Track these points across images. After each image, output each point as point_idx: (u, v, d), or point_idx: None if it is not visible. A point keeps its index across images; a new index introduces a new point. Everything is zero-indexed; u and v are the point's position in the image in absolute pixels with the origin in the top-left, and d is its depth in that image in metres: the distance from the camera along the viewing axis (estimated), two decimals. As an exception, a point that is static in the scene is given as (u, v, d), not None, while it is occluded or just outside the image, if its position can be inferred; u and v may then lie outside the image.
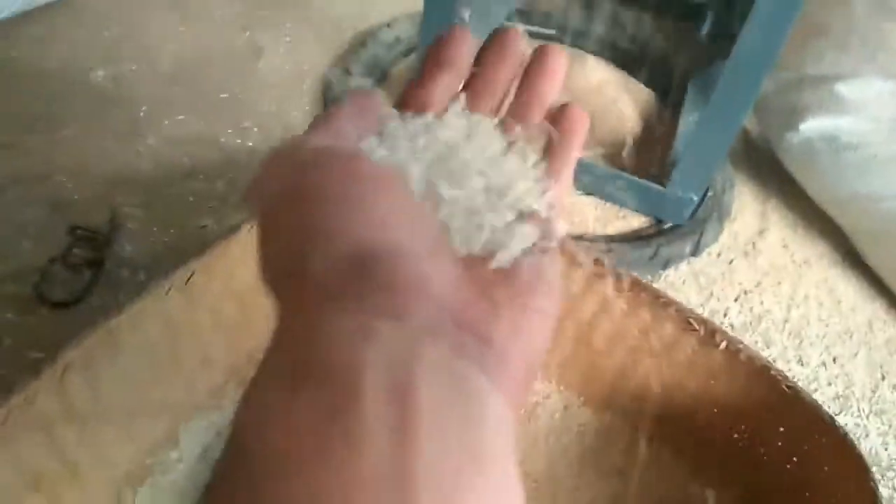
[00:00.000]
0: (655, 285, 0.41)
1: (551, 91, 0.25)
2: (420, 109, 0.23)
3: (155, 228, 0.49)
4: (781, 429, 0.38)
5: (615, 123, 0.63)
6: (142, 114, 0.57)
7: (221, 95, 0.61)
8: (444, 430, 0.15)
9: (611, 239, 0.55)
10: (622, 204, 0.58)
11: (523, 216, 0.21)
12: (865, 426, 0.48)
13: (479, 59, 0.25)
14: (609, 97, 0.64)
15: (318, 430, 0.14)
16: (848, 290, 0.57)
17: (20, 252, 0.46)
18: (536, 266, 0.20)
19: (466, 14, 0.51)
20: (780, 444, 0.38)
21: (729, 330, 0.43)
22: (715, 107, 0.53)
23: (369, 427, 0.14)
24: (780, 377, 0.37)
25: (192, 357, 0.39)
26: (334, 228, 0.18)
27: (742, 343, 0.38)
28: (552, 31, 0.72)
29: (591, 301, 0.42)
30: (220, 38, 0.67)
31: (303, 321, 0.17)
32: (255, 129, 0.58)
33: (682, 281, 0.55)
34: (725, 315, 0.53)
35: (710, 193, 0.59)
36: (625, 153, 0.61)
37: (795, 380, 0.37)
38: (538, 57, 0.25)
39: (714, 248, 0.57)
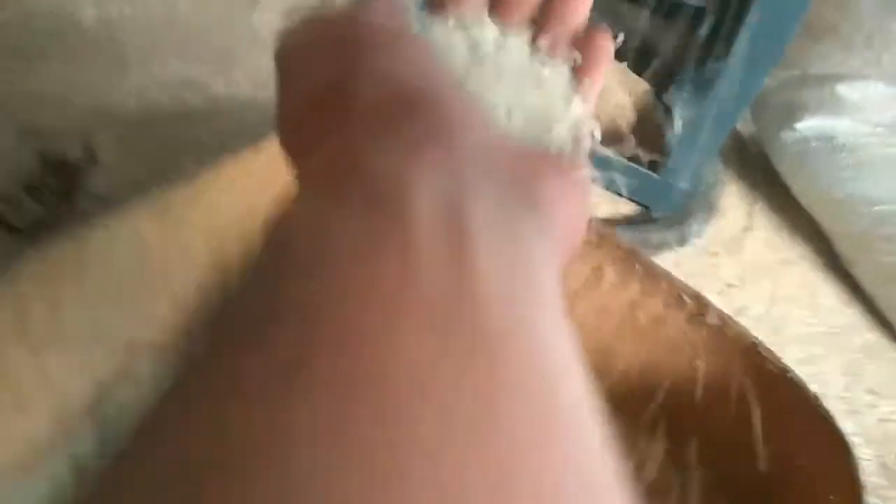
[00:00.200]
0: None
1: (578, 13, 0.24)
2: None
3: (130, 166, 0.47)
4: (765, 409, 0.37)
5: (611, 112, 0.62)
6: (130, 55, 0.55)
7: (213, 45, 0.59)
8: (499, 257, 0.14)
9: (600, 222, 0.54)
10: (614, 189, 0.57)
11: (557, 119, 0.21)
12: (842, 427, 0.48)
13: None
14: (605, 86, 0.64)
15: (367, 239, 0.13)
16: (828, 292, 0.57)
17: (-14, 175, 0.44)
18: (572, 157, 0.19)
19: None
20: (763, 423, 0.37)
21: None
22: (712, 102, 0.53)
23: (422, 239, 0.13)
24: (768, 355, 0.36)
25: (160, 293, 0.37)
26: (381, 66, 0.17)
27: (732, 320, 0.38)
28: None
29: (581, 272, 0.41)
30: (214, -11, 0.65)
31: (342, 147, 0.16)
32: (245, 81, 0.57)
33: (667, 270, 0.54)
34: (708, 306, 0.52)
35: (699, 188, 0.58)
36: (619, 141, 0.61)
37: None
38: None
39: (699, 242, 0.57)
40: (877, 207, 0.53)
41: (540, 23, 0.24)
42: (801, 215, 0.61)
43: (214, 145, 0.51)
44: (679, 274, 0.54)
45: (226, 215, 0.38)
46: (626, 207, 0.58)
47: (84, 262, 0.32)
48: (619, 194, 0.58)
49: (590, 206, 0.19)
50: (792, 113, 0.57)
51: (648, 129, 0.63)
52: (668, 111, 0.64)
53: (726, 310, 0.52)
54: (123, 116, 0.50)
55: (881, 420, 0.49)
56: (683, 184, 0.56)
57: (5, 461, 0.30)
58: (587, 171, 0.19)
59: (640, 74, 0.69)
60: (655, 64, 0.69)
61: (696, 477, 0.39)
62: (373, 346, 0.12)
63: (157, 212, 0.35)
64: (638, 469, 0.40)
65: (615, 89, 0.64)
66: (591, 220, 0.38)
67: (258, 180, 0.38)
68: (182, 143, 0.50)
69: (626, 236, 0.53)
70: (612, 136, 0.61)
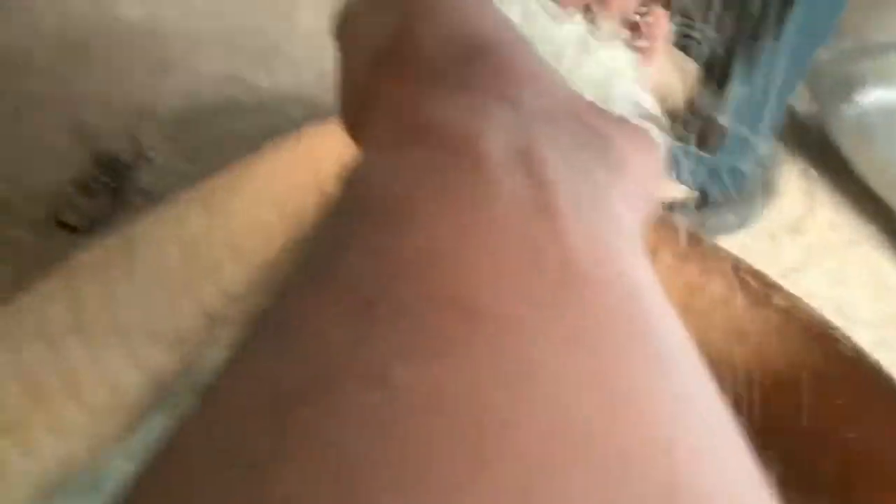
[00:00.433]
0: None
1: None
2: None
3: (177, 161, 0.47)
4: (840, 396, 0.35)
5: (661, 94, 0.61)
6: (174, 51, 0.56)
7: (257, 40, 0.59)
8: (580, 197, 0.13)
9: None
10: (668, 172, 0.56)
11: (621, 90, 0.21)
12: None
13: None
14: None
15: (443, 179, 0.12)
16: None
17: (39, 175, 0.44)
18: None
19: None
20: (839, 411, 0.35)
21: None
22: (764, 79, 0.51)
23: (500, 178, 0.12)
24: (842, 339, 0.34)
25: (208, 285, 0.37)
26: (443, 17, 0.17)
27: (800, 301, 0.36)
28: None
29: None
30: (256, -13, 0.65)
31: (406, 98, 0.15)
32: (288, 75, 0.57)
33: (726, 254, 0.52)
34: (770, 291, 0.50)
35: (757, 168, 0.56)
36: (671, 123, 0.59)
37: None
38: None
39: (760, 225, 0.55)
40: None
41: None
42: (864, 193, 0.58)
43: (259, 139, 0.50)
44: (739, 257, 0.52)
45: (269, 203, 0.37)
46: (680, 190, 0.56)
47: (134, 255, 0.32)
48: (674, 177, 0.56)
49: (661, 164, 0.18)
50: (850, 85, 0.55)
51: (700, 110, 0.61)
52: (720, 90, 0.62)
53: (790, 294, 0.51)
54: (169, 113, 0.51)
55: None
56: (739, 165, 0.54)
57: (64, 453, 0.30)
58: (653, 133, 0.19)
59: (688, 53, 0.67)
60: (705, 43, 0.67)
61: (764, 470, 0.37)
62: (456, 282, 0.11)
63: (202, 202, 0.35)
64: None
65: (664, 69, 0.62)
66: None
67: (300, 168, 0.38)
68: (227, 137, 0.50)
69: (681, 220, 0.51)
70: (661, 118, 0.60)
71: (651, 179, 0.17)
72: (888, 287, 0.53)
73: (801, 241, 0.55)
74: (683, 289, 0.39)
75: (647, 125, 0.19)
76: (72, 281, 0.30)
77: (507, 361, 0.10)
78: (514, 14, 0.22)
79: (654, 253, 0.39)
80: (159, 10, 0.59)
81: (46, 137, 0.46)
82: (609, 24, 0.24)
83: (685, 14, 0.70)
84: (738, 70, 0.63)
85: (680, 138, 0.58)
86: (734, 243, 0.53)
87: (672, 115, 0.62)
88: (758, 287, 0.36)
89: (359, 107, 0.18)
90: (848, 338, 0.35)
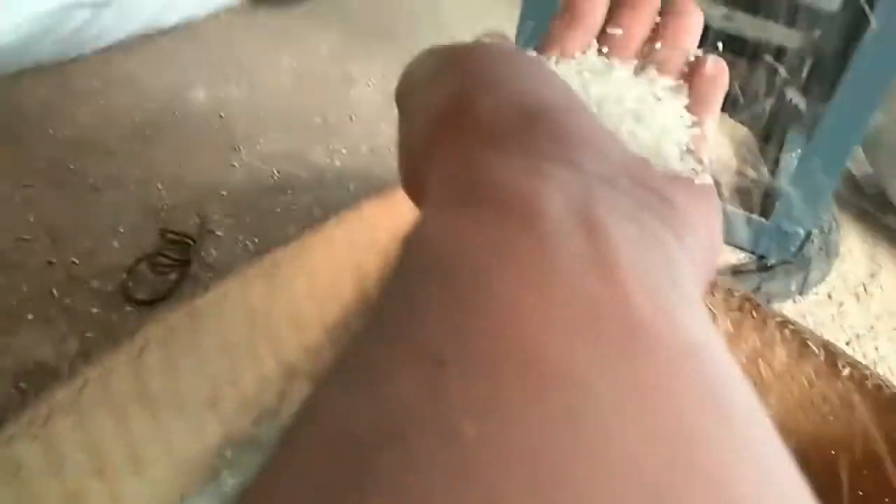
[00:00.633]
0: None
1: (689, 44, 0.24)
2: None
3: (241, 236, 0.49)
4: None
5: (714, 160, 0.61)
6: (237, 131, 0.58)
7: (314, 119, 0.62)
8: (639, 256, 0.13)
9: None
10: (725, 236, 0.55)
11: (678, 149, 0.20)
12: None
13: (612, 13, 0.24)
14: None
15: (504, 240, 0.13)
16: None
17: (110, 251, 0.47)
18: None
19: None
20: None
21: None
22: (818, 144, 0.51)
23: (559, 239, 0.13)
24: (915, 409, 0.33)
25: (267, 355, 0.38)
26: (501, 81, 0.17)
27: (869, 370, 0.34)
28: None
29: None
30: (316, 67, 0.68)
31: (466, 160, 0.15)
32: (344, 151, 0.59)
33: (787, 321, 0.51)
34: (837, 358, 0.48)
35: (815, 232, 0.55)
36: (724, 187, 0.58)
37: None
38: (673, 14, 0.24)
39: (822, 289, 0.53)
40: None
41: (651, 53, 0.24)
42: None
43: (317, 213, 0.52)
44: (805, 325, 0.50)
45: (327, 276, 0.38)
46: (736, 256, 0.55)
47: (198, 327, 0.33)
48: (730, 243, 0.55)
49: (721, 225, 0.18)
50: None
51: (754, 174, 0.60)
52: (774, 155, 0.62)
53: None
54: (233, 189, 0.53)
55: None
56: (796, 228, 0.53)
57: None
58: (714, 190, 0.19)
59: (740, 121, 0.67)
60: (757, 110, 0.67)
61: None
62: (515, 345, 0.11)
63: (264, 275, 0.36)
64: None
65: (716, 136, 0.62)
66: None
67: (359, 239, 0.39)
68: (287, 211, 0.52)
69: (742, 287, 0.50)
70: (716, 182, 0.59)
71: (712, 240, 0.17)
72: (964, 354, 0.51)
73: (866, 306, 0.53)
74: (745, 358, 0.38)
75: (707, 183, 0.19)
76: (137, 354, 0.31)
77: (576, 419, 0.10)
78: (569, 69, 0.22)
79: (712, 320, 0.38)
80: (224, 92, 0.63)
81: (118, 215, 0.49)
82: (664, 74, 0.24)
83: (739, 80, 0.70)
84: (791, 134, 0.63)
85: (734, 202, 0.57)
86: (796, 309, 0.52)
87: (725, 180, 0.62)
88: (824, 356, 0.35)
89: (420, 169, 0.18)
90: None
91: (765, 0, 0.66)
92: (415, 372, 0.11)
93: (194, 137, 0.57)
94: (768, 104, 0.67)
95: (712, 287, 0.38)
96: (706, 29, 0.25)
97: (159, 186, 0.52)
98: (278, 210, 0.52)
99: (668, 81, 0.23)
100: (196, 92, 0.62)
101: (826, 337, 0.50)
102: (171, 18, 0.67)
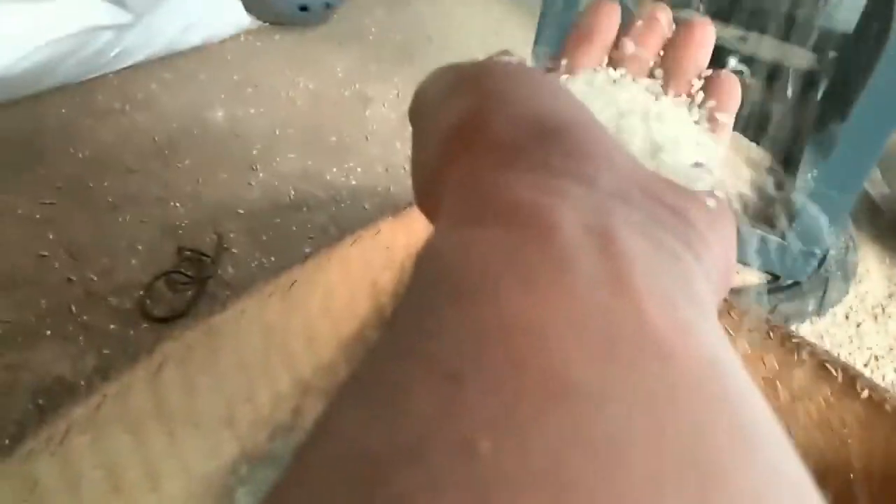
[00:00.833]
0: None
1: (701, 58, 0.24)
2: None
3: (257, 254, 0.50)
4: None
5: (728, 179, 0.60)
6: (254, 151, 0.59)
7: (330, 139, 0.62)
8: (656, 271, 0.13)
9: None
10: (739, 257, 0.55)
11: (691, 165, 0.20)
12: None
13: (626, 30, 0.25)
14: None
15: (519, 257, 0.13)
16: None
17: (128, 268, 0.47)
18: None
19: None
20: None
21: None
22: (835, 165, 0.51)
23: (575, 254, 0.13)
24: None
25: (282, 372, 0.38)
26: (515, 98, 0.17)
27: (888, 392, 0.34)
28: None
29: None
30: (332, 88, 0.69)
31: (480, 176, 0.15)
32: (359, 170, 0.59)
33: (804, 342, 0.50)
34: (855, 380, 0.48)
35: (832, 253, 0.55)
36: (740, 207, 0.58)
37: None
38: (685, 27, 0.24)
39: (839, 310, 0.53)
40: None
41: (664, 67, 0.25)
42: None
43: (333, 231, 0.53)
44: (822, 346, 0.50)
45: (343, 294, 0.38)
46: (753, 277, 0.55)
47: (215, 346, 0.34)
48: (746, 263, 0.55)
49: (735, 241, 0.18)
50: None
51: (770, 195, 0.60)
52: (789, 176, 0.62)
53: (878, 383, 0.48)
54: (250, 208, 0.53)
55: None
56: (813, 249, 0.52)
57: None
58: (728, 206, 0.18)
59: (755, 141, 0.67)
60: (772, 129, 0.67)
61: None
62: (537, 354, 0.11)
63: (280, 293, 0.36)
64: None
65: (731, 155, 0.62)
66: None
67: (374, 260, 0.39)
68: (303, 229, 0.52)
69: (756, 307, 0.50)
70: (731, 200, 0.59)
71: (727, 256, 0.17)
72: None
73: (884, 327, 0.52)
74: (763, 379, 0.38)
75: (721, 199, 0.19)
76: (155, 371, 0.31)
77: (592, 433, 0.10)
78: (581, 84, 0.23)
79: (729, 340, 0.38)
80: (241, 112, 0.63)
81: (136, 233, 0.50)
82: (677, 88, 0.24)
83: (753, 99, 0.70)
84: (808, 155, 0.62)
85: (750, 222, 0.57)
86: (814, 330, 0.51)
87: (741, 200, 0.61)
88: (842, 378, 0.35)
89: (434, 185, 0.18)
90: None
91: (779, 21, 0.66)
92: (431, 388, 0.11)
93: (212, 156, 0.58)
94: (784, 124, 0.67)
95: (729, 307, 0.37)
96: (721, 50, 0.25)
97: (177, 204, 0.52)
98: (294, 228, 0.52)
99: (681, 97, 0.23)
100: (214, 112, 0.63)
101: (844, 358, 0.50)
102: (191, 40, 0.68)
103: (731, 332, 0.37)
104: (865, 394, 0.34)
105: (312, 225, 0.53)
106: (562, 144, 0.16)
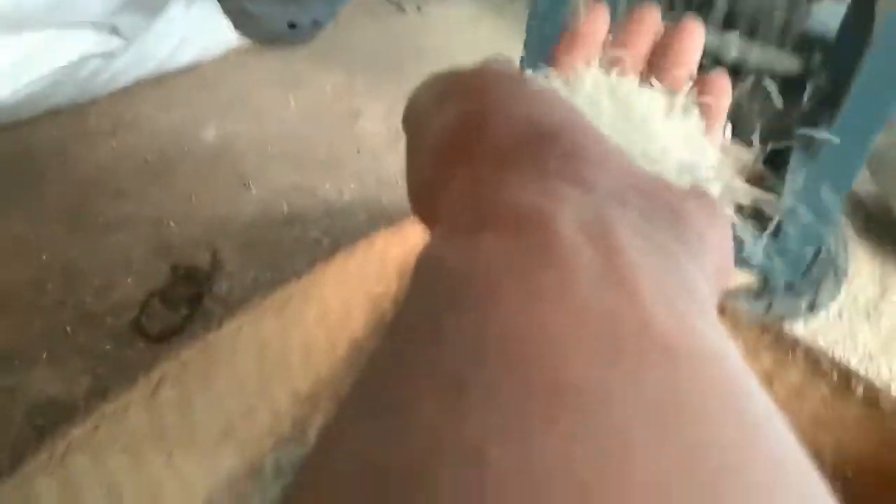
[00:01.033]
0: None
1: (692, 59, 0.24)
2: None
3: (252, 270, 0.50)
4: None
5: (720, 179, 0.61)
6: (247, 168, 0.59)
7: (321, 154, 0.63)
8: (656, 272, 0.13)
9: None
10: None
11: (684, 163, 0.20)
12: None
13: (616, 33, 0.25)
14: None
15: (519, 262, 0.13)
16: None
17: (122, 287, 0.47)
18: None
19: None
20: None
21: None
22: (823, 165, 0.51)
23: (576, 258, 0.13)
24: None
25: (280, 386, 0.38)
26: (510, 103, 0.17)
27: (883, 390, 0.34)
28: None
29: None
30: (321, 103, 0.70)
31: (478, 182, 0.15)
32: (352, 184, 0.59)
33: (799, 342, 0.50)
34: (850, 378, 0.48)
35: (822, 252, 0.55)
36: (731, 207, 0.59)
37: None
38: (676, 28, 0.25)
39: (832, 309, 0.53)
40: None
41: (654, 68, 0.25)
42: (941, 274, 0.57)
43: (327, 245, 0.53)
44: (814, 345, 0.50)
45: (339, 307, 0.38)
46: (745, 277, 0.55)
47: (212, 363, 0.34)
48: (739, 263, 0.55)
49: (731, 240, 0.18)
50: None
51: (761, 196, 0.60)
52: (779, 177, 0.62)
53: (872, 381, 0.49)
54: (243, 223, 0.53)
55: None
56: (804, 249, 0.53)
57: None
58: (725, 205, 0.19)
59: (743, 143, 0.68)
60: (760, 132, 0.67)
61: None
62: (541, 359, 0.11)
63: (276, 308, 0.36)
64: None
65: (721, 157, 0.63)
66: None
67: (370, 272, 0.39)
68: (297, 244, 0.53)
69: (752, 307, 0.50)
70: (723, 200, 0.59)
71: (723, 253, 0.17)
72: (979, 371, 0.50)
73: (877, 325, 0.53)
74: (759, 378, 0.38)
75: (715, 198, 0.19)
76: (152, 391, 0.31)
77: (599, 435, 0.10)
78: (572, 85, 0.23)
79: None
80: (233, 130, 0.64)
81: (130, 252, 0.50)
82: (669, 86, 0.24)
83: (741, 102, 0.71)
84: (797, 157, 0.63)
85: (742, 223, 0.57)
86: (807, 330, 0.52)
87: (732, 201, 0.62)
88: (837, 376, 0.35)
89: (431, 191, 0.18)
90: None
91: (765, 26, 0.66)
92: (436, 398, 0.11)
93: (205, 175, 0.58)
94: (772, 127, 0.68)
95: (722, 307, 0.38)
96: (708, 55, 0.25)
97: (171, 223, 0.52)
98: (288, 243, 0.52)
99: (673, 97, 0.24)
100: (206, 131, 0.63)
101: (838, 357, 0.50)
102: (181, 60, 0.69)
103: (727, 330, 0.38)
104: (860, 392, 0.35)
105: (306, 239, 0.53)
106: (558, 148, 0.16)
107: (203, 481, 0.34)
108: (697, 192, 0.17)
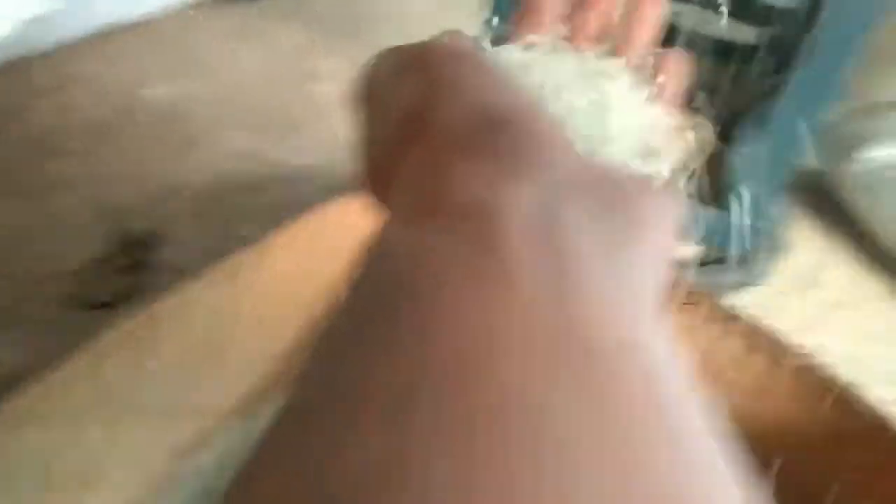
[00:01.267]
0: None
1: (652, 32, 0.24)
2: None
3: (200, 236, 0.49)
4: (859, 459, 0.35)
5: (671, 154, 0.62)
6: (198, 129, 0.58)
7: (274, 116, 0.61)
8: (601, 275, 0.13)
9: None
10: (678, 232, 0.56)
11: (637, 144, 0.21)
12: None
13: (575, 3, 0.25)
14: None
15: (465, 263, 0.13)
16: (915, 329, 0.54)
17: (66, 254, 0.46)
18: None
19: None
20: (857, 475, 0.35)
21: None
22: (772, 138, 0.52)
23: (521, 260, 0.13)
24: (860, 400, 0.34)
25: (232, 358, 0.38)
26: (465, 85, 0.17)
27: (817, 364, 0.36)
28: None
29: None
30: (277, 63, 0.68)
31: (428, 170, 0.16)
32: (307, 148, 0.59)
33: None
34: (787, 349, 0.50)
35: (767, 225, 0.57)
36: (679, 181, 0.60)
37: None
38: (633, 1, 0.25)
39: (771, 281, 0.55)
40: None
41: (614, 37, 0.25)
42: (877, 248, 0.58)
43: (280, 212, 0.52)
44: (753, 315, 0.52)
45: (290, 278, 0.38)
46: (690, 249, 0.56)
47: (158, 332, 0.33)
48: (683, 236, 0.56)
49: (678, 223, 0.18)
50: (859, 144, 0.56)
51: (710, 168, 0.62)
52: (728, 149, 0.63)
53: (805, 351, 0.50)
54: (192, 189, 0.52)
55: None
56: (749, 221, 0.54)
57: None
58: (674, 188, 0.19)
59: (695, 114, 0.69)
60: (712, 103, 0.68)
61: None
62: (479, 375, 0.12)
63: (228, 277, 0.36)
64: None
65: (673, 129, 0.64)
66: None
67: (322, 242, 0.39)
68: (249, 211, 0.52)
69: (696, 279, 0.51)
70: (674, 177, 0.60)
71: (670, 238, 0.17)
72: (906, 343, 0.53)
73: (815, 298, 0.55)
74: (701, 351, 0.39)
75: (666, 180, 0.19)
76: (96, 360, 0.31)
77: (540, 447, 0.11)
78: (526, 58, 0.23)
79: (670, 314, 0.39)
80: (183, 89, 0.62)
81: (73, 216, 0.48)
82: (627, 63, 0.24)
83: (696, 74, 0.71)
84: (745, 129, 0.64)
85: (689, 196, 0.58)
86: (747, 301, 0.53)
87: (680, 173, 0.63)
88: (773, 348, 0.37)
89: (383, 171, 0.18)
90: (868, 400, 0.35)
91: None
92: (380, 420, 0.11)
93: (154, 136, 0.56)
94: (722, 99, 0.69)
95: (672, 282, 0.38)
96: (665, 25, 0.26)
97: (117, 186, 0.51)
98: (239, 209, 0.52)
99: (629, 73, 0.24)
100: (156, 89, 0.61)
101: (775, 326, 0.52)
102: (131, 15, 0.66)
103: (671, 305, 0.39)
104: (795, 363, 0.36)
105: (259, 205, 0.52)
106: (510, 135, 0.16)
107: (149, 453, 0.34)
108: (646, 178, 0.17)
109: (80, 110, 0.57)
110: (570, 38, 0.24)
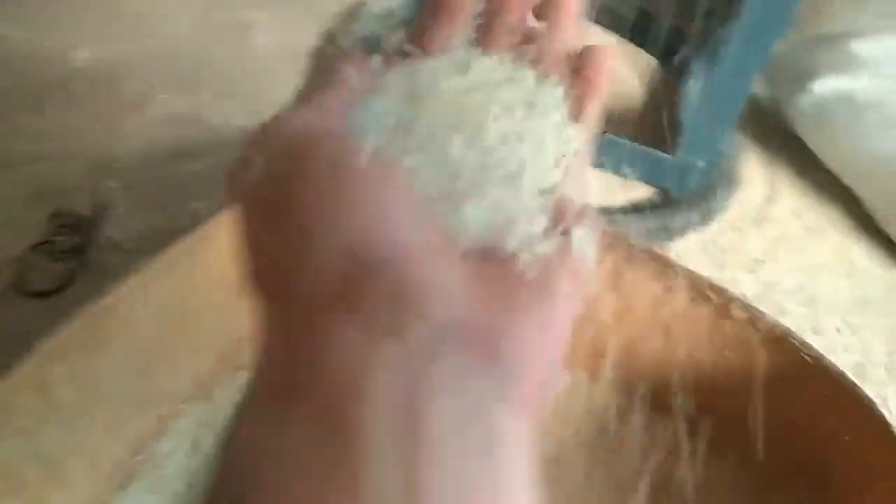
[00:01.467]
0: (664, 256, 0.39)
1: (570, 29, 0.23)
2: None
3: (140, 212, 0.47)
4: (801, 401, 0.36)
5: (617, 91, 0.61)
6: (128, 94, 0.55)
7: (208, 75, 0.59)
8: (458, 459, 0.14)
9: (615, 211, 0.53)
10: (626, 174, 0.56)
11: (547, 194, 0.20)
12: (884, 394, 0.46)
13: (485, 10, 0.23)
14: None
15: (317, 463, 0.13)
16: (862, 257, 0.55)
17: (1, 242, 0.44)
18: (562, 247, 0.18)
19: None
20: (800, 416, 0.36)
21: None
22: (721, 73, 0.51)
23: (376, 460, 0.13)
24: (801, 346, 0.35)
25: (181, 345, 0.37)
26: (323, 229, 0.16)
27: (760, 311, 0.37)
28: None
29: (598, 276, 0.40)
30: (208, 17, 0.64)
31: (296, 336, 0.15)
32: (243, 109, 0.56)
33: (692, 252, 0.53)
34: (738, 285, 0.51)
35: (717, 161, 0.57)
36: (627, 121, 0.59)
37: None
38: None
39: (724, 217, 0.55)
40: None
41: (529, 45, 0.23)
42: (827, 179, 0.59)
43: (218, 179, 0.50)
44: (707, 254, 0.53)
45: (227, 269, 0.37)
46: (642, 192, 0.56)
47: (103, 331, 0.33)
48: (635, 178, 0.56)
49: (569, 323, 0.17)
50: (808, 75, 0.55)
51: (659, 106, 0.61)
52: (677, 85, 0.62)
53: (758, 286, 0.52)
54: (128, 159, 0.50)
55: (929, 385, 0.47)
56: (700, 159, 0.54)
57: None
58: (579, 263, 0.18)
59: (643, 47, 0.67)
60: (659, 36, 0.67)
61: (730, 474, 0.38)
62: None
63: (169, 266, 0.35)
64: (673, 465, 0.39)
65: (619, 66, 0.62)
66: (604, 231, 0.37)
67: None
68: (186, 179, 0.50)
69: (647, 223, 0.52)
70: (620, 118, 0.60)
71: (556, 345, 0.17)
72: (854, 272, 0.54)
73: (766, 231, 0.55)
74: (649, 305, 0.40)
75: (571, 258, 0.18)
76: (38, 368, 0.30)
77: None
78: (433, 67, 0.21)
79: (615, 272, 0.40)
80: (110, 51, 0.59)
81: (3, 200, 0.46)
82: (543, 68, 0.22)
83: (647, 10, 0.70)
84: (694, 62, 0.63)
85: (638, 137, 0.58)
86: (698, 238, 0.54)
87: (629, 113, 0.62)
88: (717, 300, 0.37)
89: (256, 287, 0.17)
90: (807, 343, 0.36)
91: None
92: None
93: (80, 105, 0.54)
94: (670, 32, 0.68)
95: (613, 240, 0.39)
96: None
97: (47, 163, 0.49)
98: (180, 179, 0.50)
99: (549, 83, 0.22)
100: (79, 53, 0.58)
101: (729, 262, 0.53)
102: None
103: (617, 264, 0.39)
104: (739, 314, 0.37)
105: (199, 174, 0.50)
106: (381, 288, 0.15)
107: (107, 446, 0.34)
108: (540, 279, 0.17)
109: (2, 79, 0.54)
110: (480, 44, 0.22)
